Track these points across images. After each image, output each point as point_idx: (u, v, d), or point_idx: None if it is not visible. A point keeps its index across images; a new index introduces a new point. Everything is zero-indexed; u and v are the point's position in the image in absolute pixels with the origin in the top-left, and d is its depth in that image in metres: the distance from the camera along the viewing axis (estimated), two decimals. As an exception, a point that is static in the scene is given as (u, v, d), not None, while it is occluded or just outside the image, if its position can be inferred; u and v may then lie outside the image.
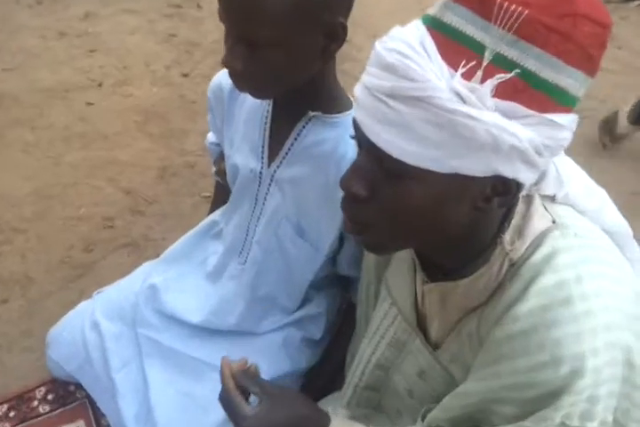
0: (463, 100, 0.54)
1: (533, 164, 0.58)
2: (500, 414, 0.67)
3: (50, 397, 1.29)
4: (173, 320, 1.23)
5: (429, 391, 0.83)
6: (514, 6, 0.54)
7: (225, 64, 0.85)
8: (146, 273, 1.33)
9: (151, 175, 1.92)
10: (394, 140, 0.57)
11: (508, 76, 0.54)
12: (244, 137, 1.07)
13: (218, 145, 1.25)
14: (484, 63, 0.54)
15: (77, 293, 1.51)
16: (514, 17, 0.54)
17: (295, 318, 1.23)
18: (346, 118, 0.96)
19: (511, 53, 0.55)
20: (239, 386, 0.81)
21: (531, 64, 0.55)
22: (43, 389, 1.30)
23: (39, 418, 1.26)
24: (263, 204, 1.09)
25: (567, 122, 0.57)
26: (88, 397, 1.27)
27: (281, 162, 1.02)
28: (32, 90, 2.29)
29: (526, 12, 0.54)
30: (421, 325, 0.82)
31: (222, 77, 1.08)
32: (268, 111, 1.02)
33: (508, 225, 0.67)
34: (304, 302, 1.23)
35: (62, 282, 1.56)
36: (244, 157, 1.07)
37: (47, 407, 1.28)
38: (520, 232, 0.67)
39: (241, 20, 0.80)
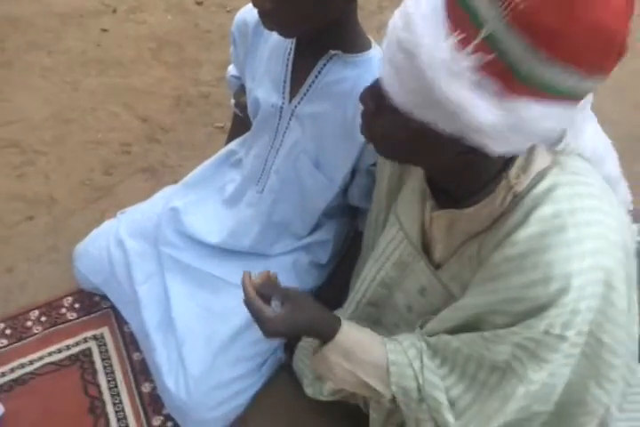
0: (439, 66, 0.58)
1: (501, 140, 0.63)
2: (492, 323, 0.76)
3: (77, 305, 1.40)
4: (193, 240, 1.32)
5: (428, 306, 0.92)
6: None
7: (254, 4, 0.89)
8: (167, 197, 1.41)
9: (166, 104, 1.94)
10: (390, 79, 0.65)
11: (490, 57, 0.57)
12: (267, 72, 1.11)
13: (238, 78, 1.28)
14: (478, 38, 0.57)
15: (99, 213, 1.59)
16: (513, 4, 0.55)
17: (305, 243, 1.32)
18: (365, 58, 1.00)
19: (504, 36, 0.57)
20: (260, 293, 0.89)
21: (517, 54, 0.57)
22: (70, 298, 1.41)
23: (67, 324, 1.37)
24: (283, 137, 1.14)
25: (535, 115, 0.60)
26: (112, 307, 1.37)
27: (302, 98, 1.07)
28: (47, 14, 2.27)
29: (524, 4, 0.55)
30: (425, 248, 0.90)
31: (247, 13, 1.11)
32: (290, 49, 1.05)
33: (512, 164, 0.74)
34: (314, 228, 1.31)
35: (84, 202, 1.63)
36: (265, 91, 1.12)
37: (74, 315, 1.39)
38: (524, 169, 0.74)
39: None
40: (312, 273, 1.34)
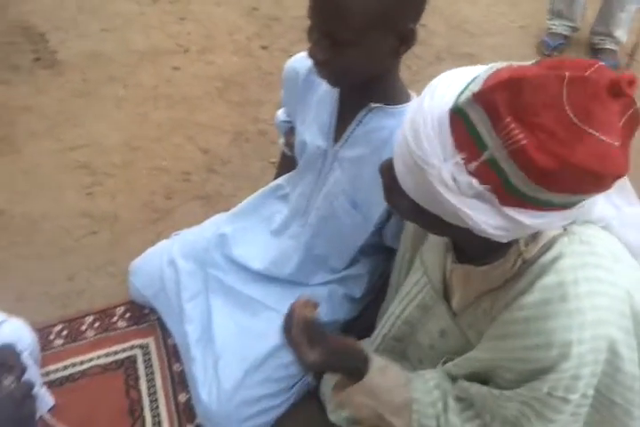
0: (447, 185, 0.65)
1: (506, 234, 0.68)
2: (502, 377, 0.82)
3: (127, 315, 1.52)
4: (238, 265, 1.43)
5: (448, 348, 0.97)
6: (517, 132, 0.59)
7: (309, 55, 0.98)
8: (217, 223, 1.53)
9: (226, 138, 2.10)
10: (403, 176, 0.71)
11: (489, 176, 0.62)
12: (315, 118, 1.20)
13: (286, 122, 1.39)
14: (479, 160, 0.63)
15: (155, 233, 1.72)
16: (512, 140, 0.60)
17: (340, 276, 1.40)
18: (402, 110, 1.08)
19: (503, 164, 0.62)
20: (304, 331, 0.96)
21: (514, 180, 0.62)
22: (122, 308, 1.54)
23: (117, 331, 1.49)
24: (325, 177, 1.23)
25: (534, 221, 0.66)
26: (159, 320, 1.49)
27: (344, 143, 1.16)
28: (126, 51, 2.50)
29: (524, 142, 0.59)
30: (446, 294, 0.95)
31: (297, 63, 1.22)
32: (336, 99, 1.15)
33: None
34: (351, 263, 1.39)
35: (144, 222, 1.78)
36: (312, 135, 1.21)
37: (124, 324, 1.51)
38: (534, 237, 0.78)
39: (328, 20, 0.92)
40: (345, 306, 1.40)
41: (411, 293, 1.03)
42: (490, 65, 0.67)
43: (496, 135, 0.61)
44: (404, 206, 0.76)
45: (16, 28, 2.58)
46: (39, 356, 1.35)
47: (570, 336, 0.72)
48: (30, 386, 1.07)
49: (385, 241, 1.28)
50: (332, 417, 1.21)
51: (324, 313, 1.34)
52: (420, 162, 0.66)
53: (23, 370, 1.08)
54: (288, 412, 1.31)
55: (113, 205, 1.83)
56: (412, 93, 1.11)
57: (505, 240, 0.70)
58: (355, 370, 0.93)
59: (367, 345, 1.17)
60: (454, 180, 0.64)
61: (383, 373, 0.93)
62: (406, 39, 0.97)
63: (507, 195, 0.64)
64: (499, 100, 0.60)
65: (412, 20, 0.96)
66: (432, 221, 0.74)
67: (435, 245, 0.97)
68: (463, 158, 0.63)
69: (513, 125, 0.59)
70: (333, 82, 1.05)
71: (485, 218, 0.66)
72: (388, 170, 0.77)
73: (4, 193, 1.86)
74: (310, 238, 1.34)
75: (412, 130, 0.67)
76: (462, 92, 0.64)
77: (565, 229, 0.78)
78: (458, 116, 0.64)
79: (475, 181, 0.63)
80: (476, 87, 0.63)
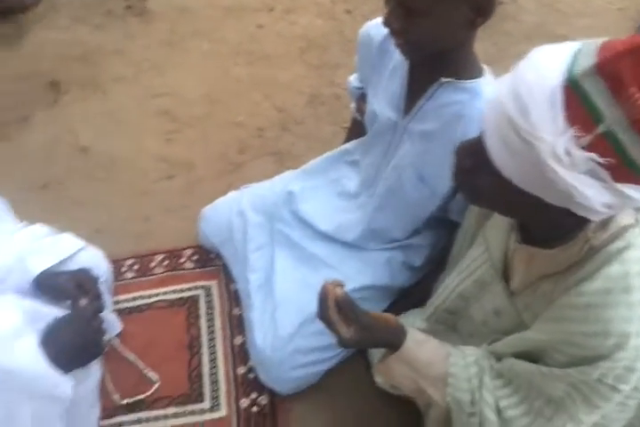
0: (560, 159, 0.63)
1: (604, 212, 0.68)
2: (553, 358, 0.82)
3: (194, 258, 1.61)
4: (304, 222, 1.47)
5: (500, 326, 0.98)
6: None
7: (384, 23, 0.98)
8: (287, 180, 1.57)
9: (302, 99, 2.12)
10: (500, 154, 0.69)
11: (605, 150, 0.61)
12: (386, 89, 1.20)
13: (359, 88, 1.39)
14: (595, 132, 0.62)
15: (227, 184, 1.78)
16: (637, 110, 0.59)
17: (401, 244, 1.42)
18: (475, 84, 1.06)
19: (621, 135, 0.61)
20: (340, 309, 0.95)
21: (633, 152, 0.62)
22: (190, 250, 1.62)
23: (183, 271, 1.58)
24: (395, 149, 1.24)
25: None
26: (223, 266, 1.56)
27: (414, 116, 1.15)
28: (213, 6, 2.52)
29: None
30: (505, 273, 0.95)
31: (372, 29, 1.21)
32: (407, 71, 1.14)
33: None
34: (413, 233, 1.41)
35: (216, 173, 1.84)
36: (383, 106, 1.21)
37: (191, 265, 1.59)
38: (604, 224, 0.77)
39: None
40: (403, 273, 1.43)
41: (469, 267, 1.04)
42: (585, 40, 0.66)
43: (617, 106, 0.61)
44: (486, 187, 0.75)
45: (110, -26, 2.65)
46: (111, 285, 1.44)
47: (629, 328, 0.73)
48: (101, 309, 1.16)
49: (450, 215, 1.28)
50: (378, 379, 1.27)
51: (383, 278, 1.39)
52: (528, 137, 0.64)
53: (97, 294, 1.17)
54: (336, 368, 1.36)
55: (189, 153, 1.90)
56: (485, 68, 1.09)
57: (597, 219, 0.70)
58: (393, 343, 0.95)
59: (419, 314, 1.21)
60: (568, 154, 0.63)
61: (420, 345, 0.95)
62: (483, 11, 0.94)
63: (622, 169, 0.63)
64: (623, 69, 0.59)
65: None
66: (512, 202, 0.74)
67: (499, 222, 0.98)
68: (576, 132, 0.62)
69: (638, 95, 0.59)
70: (406, 52, 1.04)
71: (595, 194, 0.65)
72: (469, 151, 0.76)
73: (89, 131, 1.96)
74: (375, 211, 1.36)
75: (517, 104, 0.65)
76: (573, 65, 0.63)
77: (637, 220, 0.78)
78: (572, 88, 0.62)
79: (592, 155, 0.62)
80: (589, 59, 0.62)
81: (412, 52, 1.03)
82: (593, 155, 0.62)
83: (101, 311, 1.16)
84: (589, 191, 0.65)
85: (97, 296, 1.17)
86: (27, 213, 1.33)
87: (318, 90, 2.17)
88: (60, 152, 1.93)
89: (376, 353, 1.27)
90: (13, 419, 0.95)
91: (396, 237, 1.41)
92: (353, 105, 1.49)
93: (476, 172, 0.75)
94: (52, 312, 1.07)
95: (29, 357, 0.95)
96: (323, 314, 0.95)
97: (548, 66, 0.65)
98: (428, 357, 0.94)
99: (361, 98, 1.41)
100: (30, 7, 2.45)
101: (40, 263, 1.18)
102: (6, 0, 2.38)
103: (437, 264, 1.41)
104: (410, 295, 1.44)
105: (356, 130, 1.51)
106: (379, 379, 1.27)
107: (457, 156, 0.79)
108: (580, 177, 0.64)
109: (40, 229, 1.30)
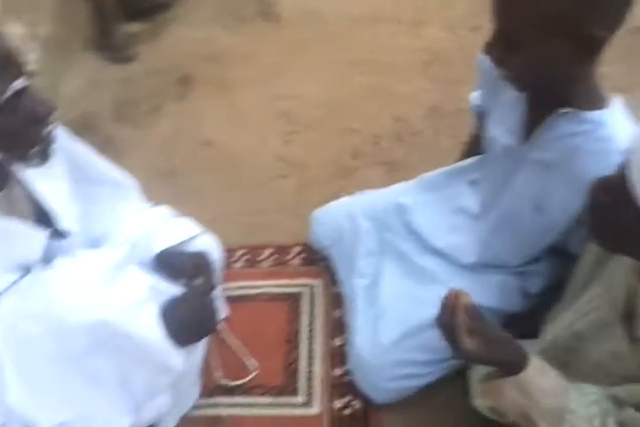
0: None
1: None
2: None
3: (302, 256, 1.65)
4: (415, 235, 1.45)
5: (619, 371, 0.91)
6: None
7: (485, 51, 0.95)
8: (400, 190, 1.56)
9: (421, 111, 2.10)
10: None
11: None
12: (505, 115, 1.16)
13: (479, 106, 1.36)
14: None
15: (338, 188, 1.80)
16: None
17: (518, 270, 1.35)
18: (597, 115, 1.00)
19: None
20: (466, 318, 0.91)
21: None
22: (298, 248, 1.66)
23: (290, 267, 1.63)
24: (512, 176, 1.20)
25: None
26: (329, 267, 1.58)
27: (532, 145, 1.11)
28: (343, 15, 2.56)
29: None
30: (628, 317, 0.89)
31: None
32: (525, 99, 1.09)
33: None
34: (531, 260, 1.33)
35: (329, 176, 1.88)
36: (501, 132, 1.18)
37: (298, 262, 1.64)
38: None
39: (503, 18, 0.90)
40: (517, 298, 1.37)
41: (587, 306, 0.98)
42: None
43: None
44: (624, 226, 0.73)
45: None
46: (222, 272, 1.50)
47: None
48: (214, 289, 1.21)
49: (569, 248, 1.22)
50: (475, 402, 1.21)
51: (493, 300, 1.33)
52: None
53: (211, 276, 1.22)
54: (433, 385, 1.33)
55: (305, 155, 1.95)
56: (612, 97, 1.03)
57: None
58: (510, 365, 0.91)
59: (528, 346, 1.16)
60: None
61: (542, 373, 0.90)
62: (588, 47, 0.89)
63: None
64: None
65: (598, 26, 0.87)
66: None
67: (623, 261, 0.92)
68: None
69: None
70: (513, 84, 1.01)
71: None
72: (608, 187, 0.74)
73: (215, 127, 2.07)
74: (490, 236, 1.33)
75: None
76: None
77: None
78: None
79: None
80: None
81: (520, 86, 1.01)
82: None
83: (214, 292, 1.20)
84: None
85: (211, 278, 1.21)
86: (150, 197, 1.41)
87: (440, 103, 2.15)
88: (185, 143, 2.04)
89: (474, 375, 1.22)
90: (127, 384, 1.01)
91: (513, 264, 1.35)
92: (474, 121, 1.47)
93: (614, 209, 0.73)
94: (170, 288, 1.13)
95: (149, 327, 1.01)
96: (445, 320, 0.92)
97: None
98: (546, 387, 0.89)
99: (481, 116, 1.38)
100: (172, 6, 2.62)
101: (162, 242, 1.24)
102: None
103: (555, 294, 1.34)
104: (521, 323, 1.34)
105: (475, 146, 1.47)
106: (478, 402, 1.22)
107: (594, 191, 0.77)
108: None
109: (164, 211, 1.38)
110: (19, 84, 0.85)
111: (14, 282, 0.99)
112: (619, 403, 0.87)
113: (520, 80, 0.99)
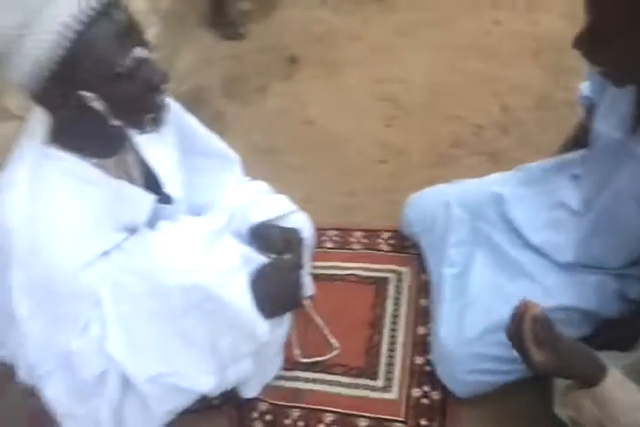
0: None
1: None
2: None
3: (391, 241, 1.65)
4: (510, 226, 1.41)
5: None
6: None
7: (573, 45, 0.93)
8: (497, 180, 1.51)
9: (529, 101, 2.03)
10: None
11: None
12: (614, 106, 1.11)
13: (589, 98, 1.30)
14: None
15: (436, 176, 1.76)
16: None
17: (617, 272, 1.29)
18: None
19: None
20: (535, 329, 0.90)
21: None
22: (388, 234, 1.67)
23: (379, 252, 1.63)
24: (618, 171, 1.14)
25: None
26: (418, 255, 1.57)
27: None
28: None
29: None
30: None
31: None
32: (637, 89, 1.04)
33: None
34: (632, 262, 1.27)
35: (428, 164, 1.86)
36: (610, 123, 1.12)
37: (387, 248, 1.64)
38: None
39: (591, 11, 0.89)
40: (615, 302, 1.31)
41: None
42: None
43: None
44: None
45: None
46: (312, 250, 1.53)
47: None
48: (302, 266, 1.23)
49: None
50: (557, 409, 1.17)
51: (589, 302, 1.28)
52: None
53: (301, 252, 1.25)
54: (516, 384, 1.29)
55: (405, 140, 1.94)
56: None
57: None
58: (585, 377, 0.89)
59: (615, 359, 1.05)
60: None
61: (622, 386, 0.88)
62: None
63: None
64: None
65: None
66: None
67: None
68: None
69: None
70: (610, 81, 0.99)
71: None
72: None
73: (318, 108, 2.11)
74: (590, 235, 1.27)
75: None
76: None
77: None
78: None
79: None
80: None
81: (610, 79, 0.98)
82: None
83: (302, 268, 1.23)
84: None
85: (300, 254, 1.24)
86: (249, 172, 1.46)
87: (549, 93, 2.07)
88: (288, 122, 2.09)
89: (558, 382, 1.18)
90: (216, 346, 1.06)
91: (612, 266, 1.29)
92: (583, 113, 1.40)
93: None
94: (261, 259, 1.17)
95: (240, 294, 1.05)
96: (515, 332, 0.91)
97: None
98: (625, 401, 0.86)
99: (590, 108, 1.31)
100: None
101: (259, 215, 1.30)
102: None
103: None
104: (619, 328, 1.30)
105: (580, 139, 1.41)
106: (560, 410, 1.18)
107: None
108: None
109: (262, 185, 1.43)
110: (139, 52, 0.89)
111: (122, 241, 1.06)
112: None
113: (612, 76, 0.97)
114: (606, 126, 1.15)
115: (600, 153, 1.20)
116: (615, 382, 0.88)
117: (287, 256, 1.22)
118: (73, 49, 0.83)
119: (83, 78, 0.86)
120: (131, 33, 0.89)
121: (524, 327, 0.90)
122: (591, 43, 0.91)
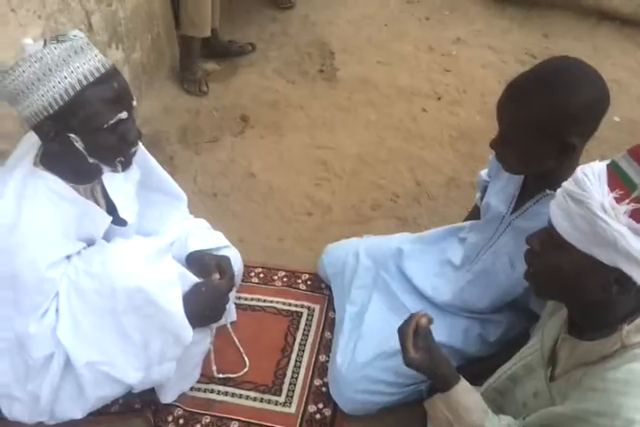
0: (606, 211, 0.84)
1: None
2: None
3: (309, 282, 1.90)
4: (404, 276, 1.69)
5: (536, 408, 1.08)
6: None
7: (490, 145, 1.25)
8: (402, 239, 1.81)
9: (441, 179, 2.36)
10: (562, 223, 0.91)
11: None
12: (504, 188, 1.43)
13: (485, 181, 1.63)
14: (632, 196, 0.84)
15: (353, 231, 2.04)
16: None
17: (481, 317, 1.58)
18: None
19: None
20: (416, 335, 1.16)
21: None
22: (307, 275, 1.92)
23: (296, 291, 1.87)
24: (498, 237, 1.46)
25: None
26: (329, 296, 1.83)
27: (520, 215, 1.37)
28: (390, 84, 2.86)
29: None
30: (551, 361, 1.09)
31: None
32: (522, 178, 1.37)
33: (632, 321, 0.93)
34: (496, 310, 1.57)
35: (347, 221, 2.14)
36: (498, 201, 1.44)
37: (304, 287, 1.89)
38: (638, 328, 0.92)
39: (501, 121, 1.19)
40: (476, 344, 1.57)
41: (524, 352, 1.20)
42: None
43: None
44: (551, 262, 0.94)
45: (316, 43, 3.11)
46: (239, 283, 1.75)
47: (635, 416, 0.86)
48: (230, 288, 1.43)
49: (531, 306, 1.45)
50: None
51: (457, 341, 1.55)
52: (583, 198, 0.87)
53: (231, 278, 1.45)
54: (396, 408, 1.52)
55: (331, 199, 2.23)
56: None
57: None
58: (444, 379, 1.14)
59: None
60: (613, 208, 0.85)
61: (468, 392, 1.13)
62: (564, 150, 1.14)
63: None
64: None
65: (573, 135, 1.12)
66: (574, 277, 0.91)
67: (557, 318, 1.13)
68: (618, 196, 0.85)
69: None
70: (507, 169, 1.28)
71: (634, 241, 0.83)
72: (537, 236, 0.99)
73: (260, 162, 2.38)
74: (468, 284, 1.56)
75: (576, 183, 0.90)
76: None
77: None
78: (612, 168, 0.88)
79: (628, 211, 0.84)
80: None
81: (512, 170, 1.27)
82: (630, 205, 0.84)
83: (230, 290, 1.44)
84: (628, 238, 0.83)
85: (230, 277, 1.45)
86: (193, 211, 1.70)
87: (458, 174, 2.39)
88: (233, 172, 2.34)
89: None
90: (148, 346, 1.26)
91: (481, 310, 1.57)
92: (478, 194, 1.73)
93: (543, 252, 0.97)
94: (195, 279, 1.38)
95: (174, 302, 1.26)
96: (403, 330, 1.17)
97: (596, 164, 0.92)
98: (469, 404, 1.11)
99: (485, 189, 1.63)
100: (248, 53, 3.00)
101: (197, 244, 1.52)
102: (234, 46, 2.96)
103: (508, 349, 1.47)
104: (475, 366, 1.56)
105: (475, 214, 1.73)
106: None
107: (528, 243, 1.01)
108: (622, 227, 0.84)
109: (203, 222, 1.66)
110: (124, 115, 1.09)
111: (81, 249, 1.27)
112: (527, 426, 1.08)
113: (513, 170, 1.28)
114: (495, 201, 1.45)
115: (487, 222, 1.51)
116: (464, 389, 1.13)
117: (217, 277, 1.42)
118: (72, 103, 1.03)
119: (73, 125, 1.06)
120: (122, 99, 1.09)
121: (409, 330, 1.15)
122: (501, 146, 1.21)
